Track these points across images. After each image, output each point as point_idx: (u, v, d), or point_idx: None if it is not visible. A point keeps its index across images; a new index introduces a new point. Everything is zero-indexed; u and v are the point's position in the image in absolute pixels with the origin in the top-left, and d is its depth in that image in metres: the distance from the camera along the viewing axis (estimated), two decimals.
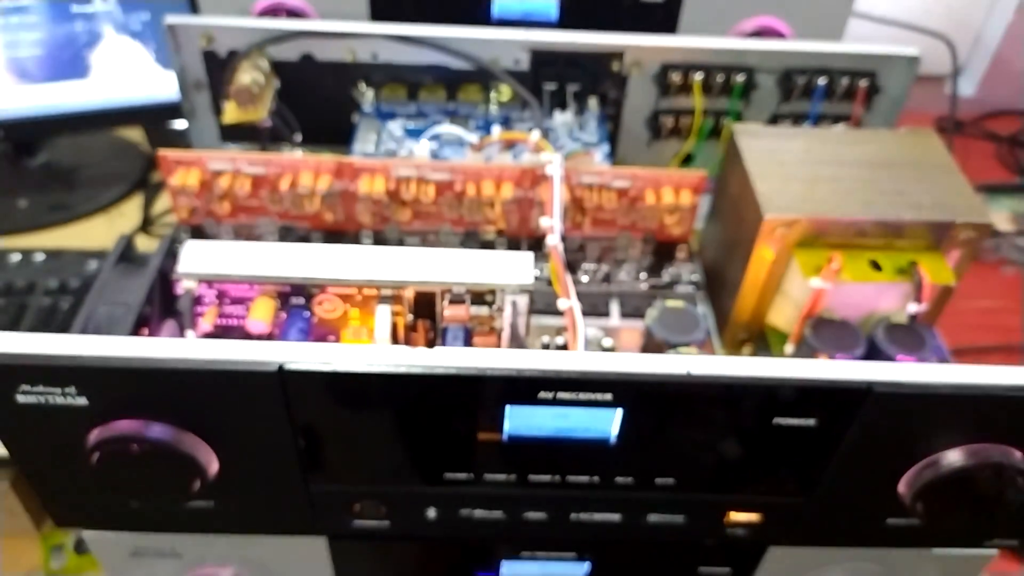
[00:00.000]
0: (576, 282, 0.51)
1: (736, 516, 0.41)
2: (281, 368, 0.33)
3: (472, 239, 0.52)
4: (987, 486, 0.37)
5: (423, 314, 0.41)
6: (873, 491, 0.39)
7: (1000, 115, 1.06)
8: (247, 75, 0.54)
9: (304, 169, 0.50)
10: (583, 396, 0.34)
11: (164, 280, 0.42)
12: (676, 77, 0.56)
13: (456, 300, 0.40)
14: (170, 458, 0.35)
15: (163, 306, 0.42)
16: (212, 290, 0.40)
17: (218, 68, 0.55)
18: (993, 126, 1.05)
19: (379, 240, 0.52)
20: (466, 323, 0.40)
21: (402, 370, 0.33)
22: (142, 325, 0.40)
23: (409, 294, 0.40)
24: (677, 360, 0.34)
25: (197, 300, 0.40)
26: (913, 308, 0.44)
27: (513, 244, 0.52)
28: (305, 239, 0.52)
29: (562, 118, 0.57)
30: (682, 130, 0.59)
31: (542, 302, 0.49)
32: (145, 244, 0.55)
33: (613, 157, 0.58)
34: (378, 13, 0.62)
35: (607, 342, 0.48)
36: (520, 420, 0.36)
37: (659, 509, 0.40)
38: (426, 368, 0.33)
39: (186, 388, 0.34)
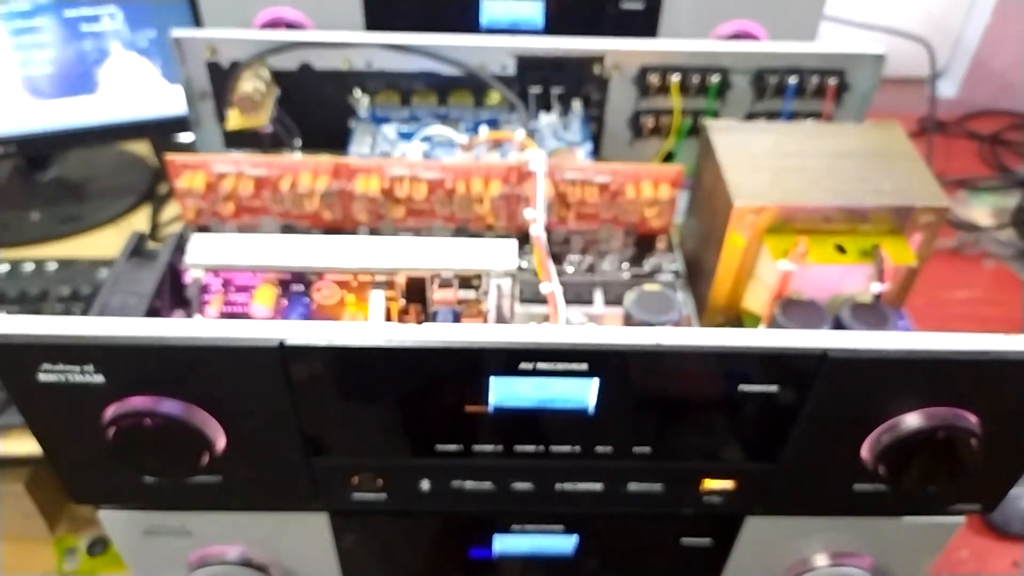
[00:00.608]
0: (561, 272, 0.54)
1: (711, 484, 0.44)
2: (282, 344, 0.36)
3: (463, 234, 0.55)
4: (943, 448, 0.40)
5: (415, 298, 0.43)
6: (838, 456, 0.41)
7: (981, 115, 1.09)
8: (249, 84, 0.57)
9: (303, 170, 0.53)
10: (561, 366, 0.37)
11: (173, 273, 0.45)
12: (654, 79, 0.59)
13: (445, 284, 0.43)
14: (181, 432, 0.38)
15: (172, 297, 0.44)
16: (218, 279, 0.43)
17: (221, 78, 0.59)
18: (975, 126, 1.08)
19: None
20: (454, 306, 0.43)
21: (394, 344, 0.36)
22: (153, 314, 0.43)
23: (401, 280, 0.43)
24: (648, 332, 0.37)
25: (204, 288, 0.43)
26: (876, 288, 0.47)
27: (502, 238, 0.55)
28: None
29: (547, 119, 0.60)
30: (662, 129, 0.62)
31: (529, 291, 0.52)
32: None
33: (596, 155, 0.61)
34: (373, 24, 0.66)
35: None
36: (504, 391, 0.38)
37: (638, 478, 0.43)
38: (415, 342, 0.36)
39: (195, 365, 0.37)
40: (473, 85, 0.61)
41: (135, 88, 0.84)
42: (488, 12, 0.66)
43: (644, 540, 0.50)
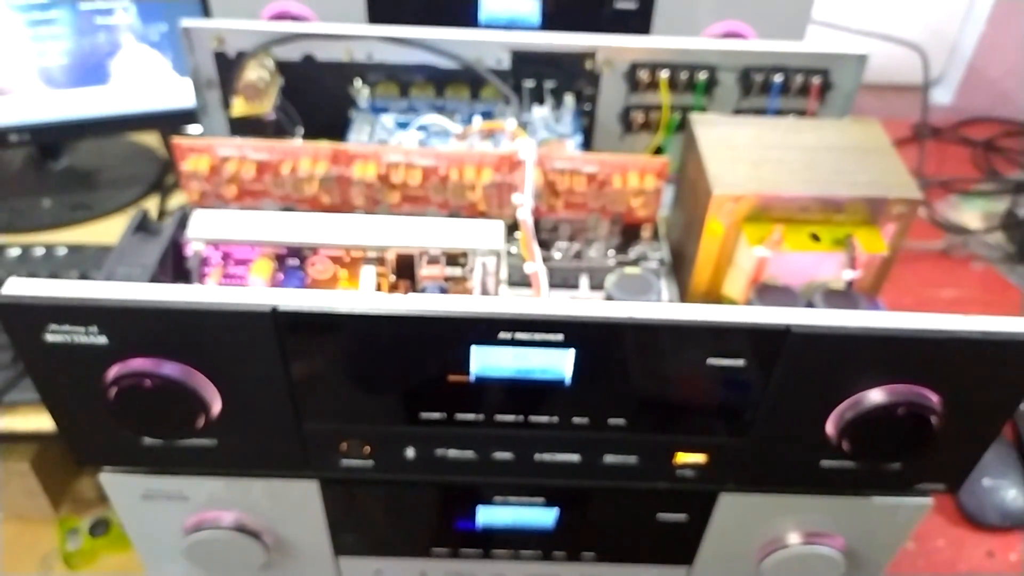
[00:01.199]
0: (549, 258, 0.56)
1: (684, 457, 0.46)
2: (274, 309, 0.38)
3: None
4: (903, 425, 0.42)
5: (404, 274, 0.46)
6: (804, 430, 0.43)
7: (976, 122, 1.11)
8: (254, 73, 0.59)
9: (303, 155, 0.55)
10: (538, 337, 0.39)
11: (176, 247, 0.47)
12: (644, 75, 0.61)
13: (432, 261, 0.45)
14: (179, 394, 0.41)
15: (174, 269, 0.47)
16: (217, 252, 0.46)
17: (228, 67, 0.61)
18: (969, 132, 1.10)
19: None
20: (441, 282, 0.45)
21: (379, 311, 0.38)
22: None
23: (391, 256, 0.45)
24: (621, 305, 0.39)
25: (204, 261, 0.46)
26: (848, 275, 0.49)
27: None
28: None
29: (540, 112, 0.62)
30: (652, 124, 0.64)
31: (518, 275, 0.54)
32: None
33: (587, 148, 0.63)
34: (375, 17, 0.68)
35: None
36: (485, 361, 0.40)
37: (613, 450, 0.45)
38: (399, 310, 0.38)
39: (193, 329, 0.39)
40: (469, 78, 0.63)
41: (146, 80, 0.86)
42: (486, 9, 0.68)
43: (622, 515, 0.52)
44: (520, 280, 0.54)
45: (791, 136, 0.54)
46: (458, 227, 0.45)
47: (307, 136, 0.64)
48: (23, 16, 0.80)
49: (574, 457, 0.45)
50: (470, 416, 0.43)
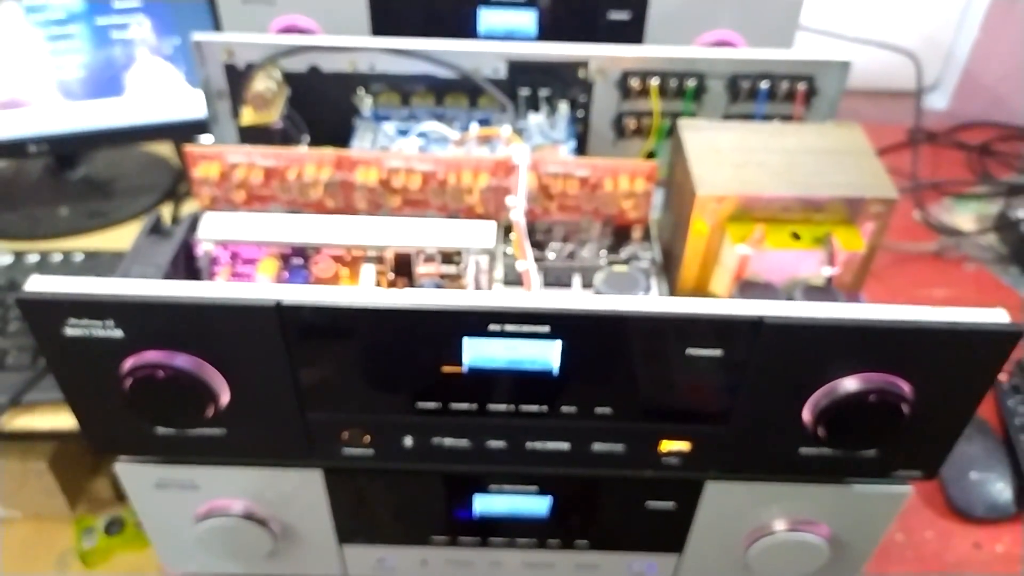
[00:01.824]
0: (543, 258, 0.58)
1: (669, 445, 0.48)
2: (279, 303, 0.41)
3: None
4: (875, 412, 0.44)
5: (402, 272, 0.48)
6: (782, 418, 0.45)
7: (972, 127, 1.13)
8: (261, 83, 0.62)
9: (308, 161, 0.58)
10: (526, 328, 0.41)
11: (187, 248, 0.50)
12: (635, 83, 0.64)
13: (429, 260, 0.47)
14: (189, 384, 0.43)
15: (186, 268, 0.50)
16: (226, 252, 0.48)
17: (237, 79, 0.64)
18: (965, 137, 1.11)
19: None
20: (437, 279, 0.48)
21: (377, 305, 0.41)
22: None
23: (390, 255, 0.48)
24: (605, 299, 0.41)
25: (214, 260, 0.48)
26: (827, 271, 0.51)
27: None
28: None
29: (535, 119, 0.65)
30: (643, 130, 0.66)
31: (513, 275, 0.56)
32: None
33: (582, 153, 0.66)
34: (378, 30, 0.71)
35: None
36: (477, 352, 0.43)
37: (601, 438, 0.47)
38: (395, 304, 0.41)
39: (203, 323, 0.42)
40: (468, 87, 0.66)
41: (159, 92, 0.90)
42: (485, 21, 0.71)
43: (613, 503, 0.54)
44: (515, 279, 0.56)
45: (774, 140, 0.56)
46: (453, 227, 0.48)
47: (313, 144, 0.67)
48: (43, 31, 0.83)
49: (564, 445, 0.48)
50: (464, 406, 0.46)
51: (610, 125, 0.67)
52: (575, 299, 0.41)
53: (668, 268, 0.60)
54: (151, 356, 0.42)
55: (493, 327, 0.41)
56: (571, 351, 0.43)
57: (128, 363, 0.43)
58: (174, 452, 0.49)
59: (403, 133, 0.64)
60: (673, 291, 0.58)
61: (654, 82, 0.64)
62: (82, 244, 0.91)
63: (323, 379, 0.45)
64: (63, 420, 0.73)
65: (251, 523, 0.53)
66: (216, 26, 0.75)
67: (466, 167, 0.58)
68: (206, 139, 0.92)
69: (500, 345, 0.42)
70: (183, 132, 0.94)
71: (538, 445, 0.48)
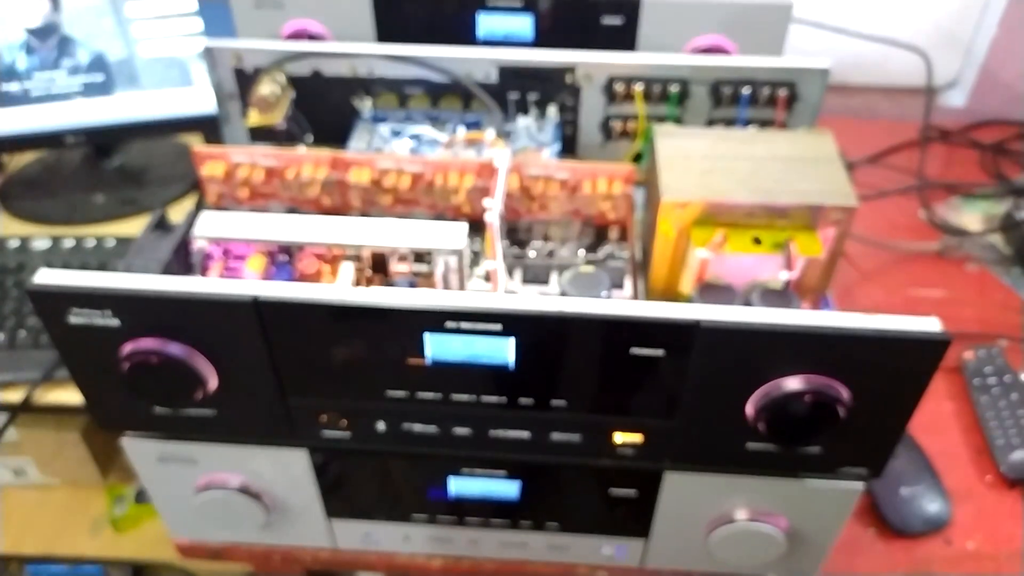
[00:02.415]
0: (524, 256, 0.62)
1: (622, 437, 0.51)
2: (255, 299, 0.45)
3: (441, 220, 0.63)
4: (811, 412, 0.46)
5: (378, 270, 0.52)
6: (726, 414, 0.48)
7: (988, 125, 1.12)
8: (266, 87, 0.66)
9: (306, 162, 0.62)
10: (480, 326, 0.45)
11: (185, 245, 0.55)
12: (620, 88, 0.67)
13: (402, 259, 0.51)
14: (180, 370, 0.48)
15: (184, 263, 0.54)
16: (219, 248, 0.53)
17: (246, 82, 0.68)
18: (980, 135, 1.11)
19: None
20: (411, 277, 0.51)
21: (345, 301, 0.45)
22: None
23: (366, 254, 0.52)
24: (553, 300, 0.45)
25: (208, 256, 0.53)
26: (784, 275, 0.53)
27: (474, 224, 0.63)
28: None
29: (524, 122, 0.68)
30: (630, 133, 0.69)
31: None
32: None
33: (572, 155, 0.69)
34: (383, 34, 0.75)
35: None
36: (438, 347, 0.47)
37: (558, 428, 0.51)
38: (360, 301, 0.45)
39: (189, 314, 0.46)
40: (462, 91, 0.69)
41: (190, 87, 0.95)
42: (484, 26, 0.74)
43: (578, 489, 0.57)
44: None
45: (744, 147, 0.59)
46: (426, 229, 0.52)
47: (317, 143, 0.71)
48: None
49: (524, 434, 0.51)
50: (430, 395, 0.50)
51: (598, 128, 0.70)
52: (524, 300, 0.44)
53: (646, 268, 0.62)
54: (146, 343, 0.47)
55: (450, 324, 0.45)
56: (524, 348, 0.46)
57: (126, 349, 0.47)
58: (171, 429, 0.54)
59: (397, 135, 0.68)
60: (648, 290, 0.61)
61: (639, 87, 0.66)
62: (115, 230, 0.96)
63: (300, 367, 0.49)
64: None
65: (245, 496, 0.58)
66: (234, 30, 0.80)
67: (453, 169, 0.62)
68: None
69: (459, 341, 0.46)
70: (212, 125, 0.98)
71: (500, 433, 0.51)
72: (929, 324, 0.44)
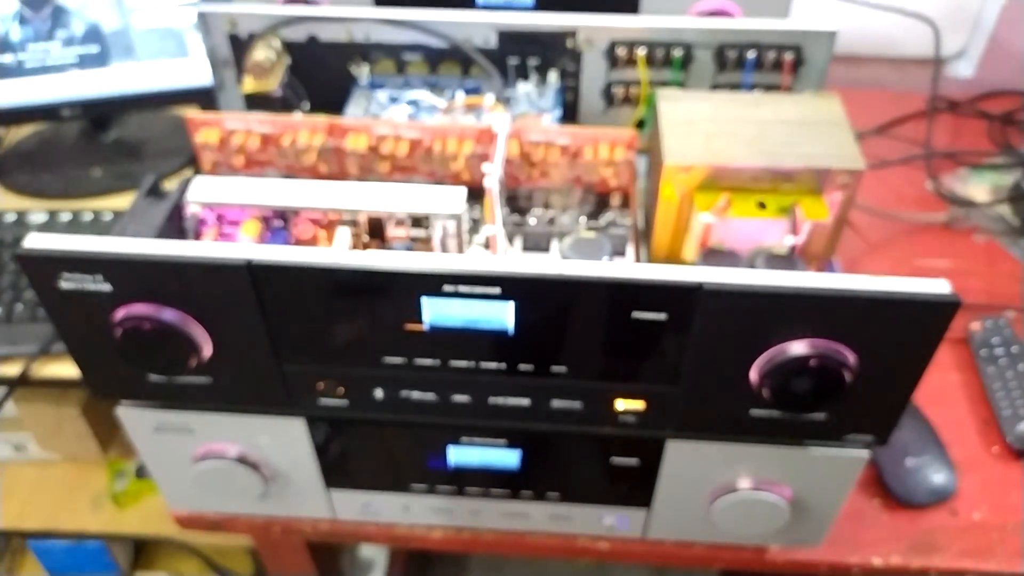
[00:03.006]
0: (524, 224, 0.61)
1: (624, 403, 0.50)
2: (249, 263, 0.44)
3: None
4: (816, 377, 0.45)
5: (375, 235, 0.51)
6: (730, 379, 0.47)
7: (997, 95, 1.11)
8: (261, 53, 0.65)
9: (302, 128, 0.61)
10: (478, 290, 0.44)
11: (179, 211, 0.54)
12: (623, 52, 0.65)
13: (399, 223, 0.50)
14: (173, 336, 0.47)
15: (177, 229, 0.53)
16: (213, 214, 0.52)
17: (241, 48, 0.67)
18: (988, 106, 1.09)
19: None
20: (408, 242, 0.50)
21: (340, 264, 0.44)
22: None
23: (363, 219, 0.50)
24: (551, 262, 0.44)
25: (201, 221, 0.52)
26: (789, 240, 0.52)
27: (473, 192, 0.62)
28: None
29: (524, 88, 0.67)
30: (632, 99, 0.68)
31: None
32: None
33: (571, 121, 0.67)
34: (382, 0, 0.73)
35: None
36: (436, 311, 0.46)
37: (558, 395, 0.50)
38: (354, 264, 0.44)
39: (182, 279, 0.45)
40: (461, 57, 0.67)
41: (186, 59, 0.93)
42: None
43: (580, 458, 0.56)
44: None
45: (749, 110, 0.57)
46: (423, 193, 0.51)
47: (313, 111, 0.70)
48: None
49: (524, 401, 0.50)
50: (428, 361, 0.49)
51: (600, 94, 0.68)
52: (522, 263, 0.43)
53: (648, 235, 0.61)
54: (138, 309, 0.46)
55: (448, 288, 0.44)
56: (523, 312, 0.45)
57: (118, 315, 0.46)
58: (167, 398, 0.53)
59: (395, 101, 0.67)
60: (650, 257, 0.60)
61: (641, 52, 0.65)
62: (112, 204, 0.95)
63: (296, 333, 0.48)
64: None
65: (243, 466, 0.57)
66: None
67: (451, 135, 0.60)
68: None
69: (457, 305, 0.45)
70: (208, 97, 0.97)
71: (500, 400, 0.51)
72: (938, 287, 0.43)
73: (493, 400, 0.51)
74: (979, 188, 0.97)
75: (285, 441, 0.57)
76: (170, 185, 0.55)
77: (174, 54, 0.94)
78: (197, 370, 0.49)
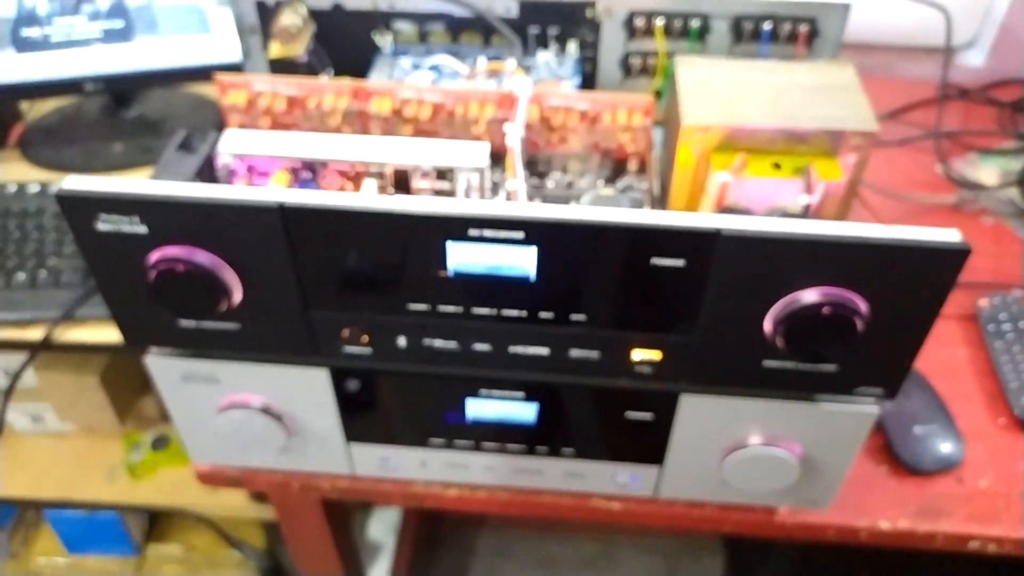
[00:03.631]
0: (542, 187, 0.62)
1: (641, 353, 0.51)
2: (282, 205, 0.45)
3: None
4: (829, 325, 0.47)
5: (401, 188, 0.53)
6: (745, 328, 0.48)
7: (1007, 83, 1.12)
8: (287, 18, 0.67)
9: (328, 91, 0.63)
10: (503, 234, 0.45)
11: (210, 163, 0.55)
12: (641, 23, 0.67)
13: (424, 176, 0.52)
14: (205, 279, 0.48)
15: (209, 180, 0.55)
16: (243, 164, 0.53)
17: (267, 15, 0.69)
18: (998, 93, 1.11)
19: None
20: (432, 194, 0.52)
21: (370, 208, 0.45)
22: None
23: (389, 171, 0.52)
24: (573, 208, 0.45)
25: (232, 172, 0.53)
26: (804, 199, 0.54)
27: (494, 156, 0.63)
28: None
29: (544, 57, 0.68)
30: (649, 69, 0.69)
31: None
32: None
33: (582, 88, 0.69)
34: None
35: None
36: (460, 256, 0.47)
37: (577, 344, 0.51)
38: (384, 207, 0.45)
39: (216, 221, 0.46)
40: (482, 26, 0.69)
41: (210, 35, 0.95)
42: None
43: (595, 412, 0.58)
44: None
45: (765, 76, 0.59)
46: (448, 147, 0.52)
47: (338, 77, 0.71)
48: None
49: (543, 350, 0.52)
50: (451, 308, 0.50)
51: (618, 64, 0.70)
52: (546, 208, 0.45)
53: (664, 200, 0.63)
54: (172, 251, 0.47)
55: (473, 232, 0.45)
56: (545, 258, 0.46)
57: (153, 257, 0.48)
58: (195, 344, 0.55)
59: (417, 68, 0.68)
60: None
61: (659, 22, 0.67)
62: (134, 178, 0.97)
63: (323, 278, 0.49)
64: (111, 335, 0.80)
65: (267, 417, 0.59)
66: None
67: (473, 99, 0.62)
68: None
69: (481, 250, 0.46)
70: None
71: (519, 349, 0.52)
72: (948, 235, 0.44)
73: (513, 349, 0.52)
74: (988, 172, 0.98)
75: (309, 392, 0.58)
76: None
77: (197, 30, 0.95)
78: (226, 315, 0.51)
